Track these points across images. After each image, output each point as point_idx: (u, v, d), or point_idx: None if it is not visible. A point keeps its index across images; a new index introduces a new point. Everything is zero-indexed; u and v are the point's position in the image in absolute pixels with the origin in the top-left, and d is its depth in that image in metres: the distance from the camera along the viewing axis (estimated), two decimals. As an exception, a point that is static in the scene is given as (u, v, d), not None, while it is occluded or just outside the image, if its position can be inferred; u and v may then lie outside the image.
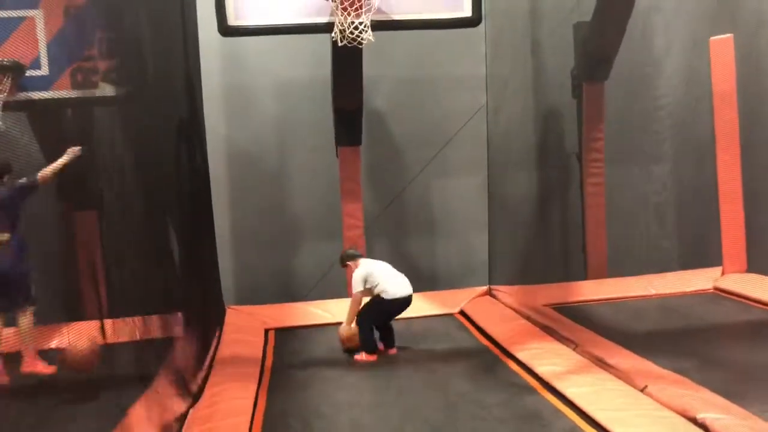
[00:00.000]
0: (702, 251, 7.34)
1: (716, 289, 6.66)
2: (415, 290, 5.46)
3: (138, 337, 3.95)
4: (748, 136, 6.69)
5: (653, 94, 7.55)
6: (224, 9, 5.34)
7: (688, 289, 6.70)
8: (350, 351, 5.39)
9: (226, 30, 5.43)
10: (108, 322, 4.66)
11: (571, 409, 4.03)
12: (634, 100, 7.51)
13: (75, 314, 5.19)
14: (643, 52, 7.46)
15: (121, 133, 4.34)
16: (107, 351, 4.19)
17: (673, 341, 5.28)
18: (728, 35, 6.59)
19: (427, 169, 7.75)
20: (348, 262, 5.58)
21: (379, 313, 5.34)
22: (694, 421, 3.59)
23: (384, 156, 7.74)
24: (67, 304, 5.50)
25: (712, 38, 6.66)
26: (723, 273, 6.83)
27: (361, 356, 5.28)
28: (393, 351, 5.43)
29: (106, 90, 4.93)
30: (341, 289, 6.99)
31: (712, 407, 3.68)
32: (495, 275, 7.02)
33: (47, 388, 4.41)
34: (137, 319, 3.98)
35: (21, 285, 4.45)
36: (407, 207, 7.82)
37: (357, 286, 5.31)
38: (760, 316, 5.81)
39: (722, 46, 6.61)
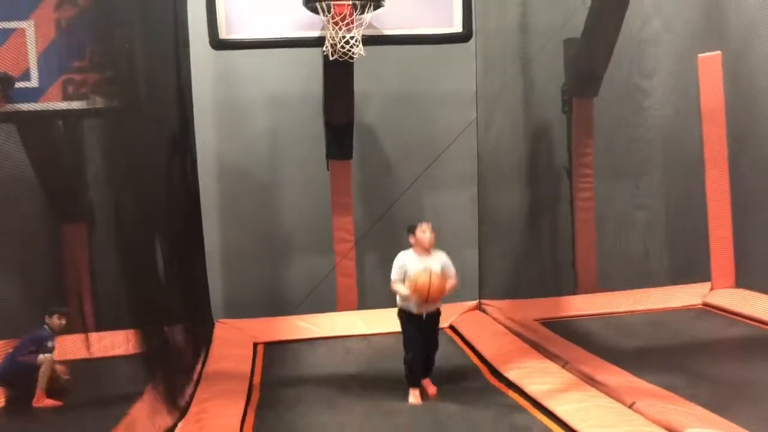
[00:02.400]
0: (691, 267, 7.36)
1: (705, 304, 6.68)
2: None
3: (126, 351, 3.92)
4: (736, 152, 6.74)
5: (642, 110, 7.60)
6: (216, 22, 5.36)
7: (676, 305, 6.72)
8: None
9: (218, 43, 5.45)
10: (95, 336, 4.65)
11: (561, 426, 4.01)
12: (623, 116, 7.56)
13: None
14: (633, 69, 7.52)
15: (111, 146, 4.33)
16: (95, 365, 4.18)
17: (662, 356, 5.28)
18: (716, 53, 6.65)
19: (418, 184, 7.76)
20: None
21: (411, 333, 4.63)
22: (681, 437, 3.59)
23: (375, 170, 7.75)
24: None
25: (700, 56, 6.73)
26: (711, 288, 6.86)
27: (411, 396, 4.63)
28: (432, 390, 4.71)
29: (97, 102, 4.93)
30: (331, 304, 6.98)
31: (700, 422, 3.68)
32: (485, 290, 7.02)
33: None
34: (125, 333, 3.95)
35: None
36: (398, 221, 7.80)
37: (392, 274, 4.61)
38: (747, 332, 5.83)
39: (710, 63, 6.67)
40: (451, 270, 4.62)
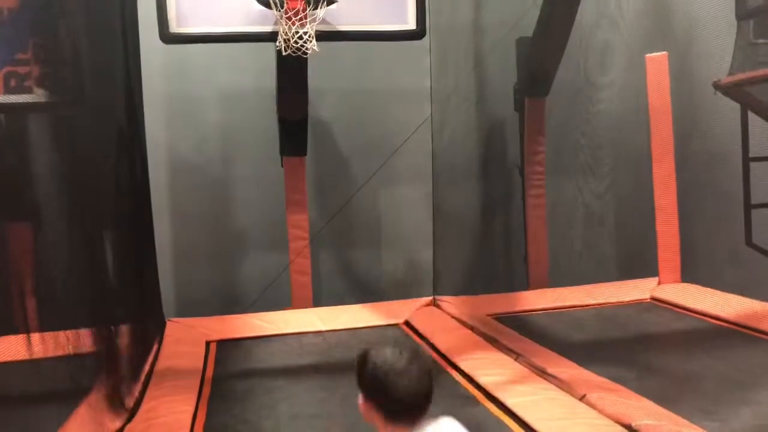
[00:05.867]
0: (639, 262, 7.54)
1: (653, 298, 6.85)
2: (360, 301, 5.38)
3: (70, 351, 3.81)
4: (681, 150, 6.93)
5: (592, 108, 7.77)
6: (166, 15, 5.26)
7: (625, 299, 6.86)
8: None
9: (168, 37, 5.35)
10: (38, 336, 4.50)
11: (512, 419, 4.06)
12: (574, 114, 7.71)
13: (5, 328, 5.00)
14: (583, 69, 7.67)
15: (57, 141, 4.21)
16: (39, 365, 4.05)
17: (611, 350, 5.40)
18: (663, 53, 6.82)
19: (374, 180, 7.76)
20: None
21: None
22: (629, 428, 3.67)
23: (330, 167, 7.72)
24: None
25: (648, 55, 6.89)
26: (659, 283, 7.03)
27: None
28: None
29: (41, 95, 4.78)
30: (286, 301, 6.93)
31: (648, 414, 3.77)
32: (440, 286, 7.06)
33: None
34: (69, 333, 3.85)
35: None
36: (353, 218, 7.82)
37: None
38: (693, 325, 6.00)
39: (657, 63, 6.84)
40: None
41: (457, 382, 4.82)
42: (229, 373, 5.25)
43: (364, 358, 2.13)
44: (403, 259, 7.91)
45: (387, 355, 2.10)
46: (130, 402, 4.29)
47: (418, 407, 2.09)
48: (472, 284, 7.05)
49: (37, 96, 5.03)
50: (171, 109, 7.31)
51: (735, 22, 5.92)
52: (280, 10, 5.14)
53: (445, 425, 2.21)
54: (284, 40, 5.18)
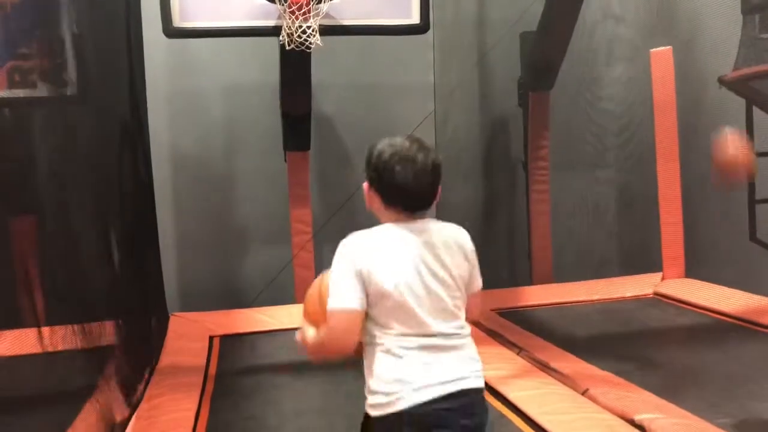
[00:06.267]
0: (643, 257, 7.53)
1: (656, 294, 6.84)
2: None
3: (73, 347, 3.82)
4: (686, 145, 6.91)
5: (597, 103, 7.75)
6: (169, 9, 5.24)
7: (629, 294, 6.85)
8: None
9: (171, 31, 5.33)
10: (44, 330, 4.51)
11: (515, 413, 4.06)
12: (578, 108, 7.69)
13: (10, 322, 5.01)
14: (587, 62, 7.65)
15: (60, 135, 4.21)
16: (44, 360, 4.05)
17: (615, 345, 5.40)
18: (667, 47, 6.79)
19: (376, 175, 7.75)
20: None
21: None
22: (632, 422, 3.67)
23: (333, 161, 7.72)
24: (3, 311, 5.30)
25: (653, 50, 6.86)
26: (663, 278, 7.02)
27: None
28: None
29: (45, 90, 4.78)
30: (289, 296, 6.93)
31: (650, 408, 3.77)
32: (443, 281, 7.05)
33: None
34: (71, 328, 3.85)
35: None
36: (356, 212, 7.80)
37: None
38: (696, 320, 5.99)
39: (662, 57, 6.81)
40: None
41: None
42: (233, 369, 5.26)
43: (372, 145, 2.03)
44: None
45: (395, 141, 1.99)
46: (134, 398, 4.30)
47: (418, 197, 1.99)
48: (475, 279, 7.04)
49: (41, 90, 5.03)
50: (174, 103, 7.32)
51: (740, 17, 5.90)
52: (283, 5, 5.12)
53: (452, 229, 2.10)
54: (287, 34, 5.17)
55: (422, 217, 2.01)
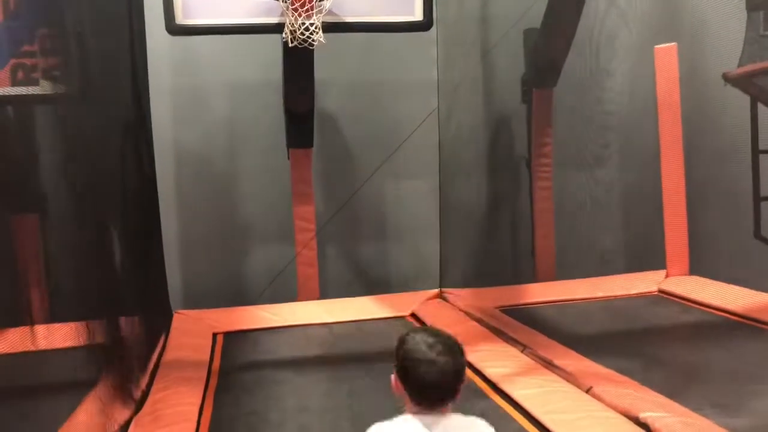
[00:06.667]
0: (647, 255, 7.51)
1: (660, 291, 6.82)
2: (367, 293, 5.32)
3: (78, 343, 3.83)
4: (690, 142, 6.89)
5: (600, 100, 7.71)
6: (172, 7, 5.24)
7: (633, 292, 6.84)
8: None
9: (174, 29, 5.34)
10: (46, 327, 4.52)
11: (518, 411, 4.06)
12: (582, 106, 7.66)
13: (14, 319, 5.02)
14: (592, 60, 7.61)
15: (63, 132, 4.21)
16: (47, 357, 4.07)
17: (618, 342, 5.38)
18: (672, 44, 6.77)
19: (380, 172, 7.75)
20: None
21: None
22: (636, 420, 3.66)
23: (336, 159, 7.70)
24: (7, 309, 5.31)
25: (657, 47, 6.84)
26: (667, 276, 7.01)
27: None
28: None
29: (48, 87, 4.79)
30: (292, 293, 6.94)
31: (654, 406, 3.76)
32: (446, 278, 7.05)
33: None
34: (76, 324, 3.86)
35: None
36: (359, 210, 7.81)
37: None
38: (700, 318, 5.98)
39: (666, 54, 6.79)
40: None
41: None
42: (236, 365, 5.26)
43: (402, 339, 2.20)
44: (409, 251, 7.90)
45: (420, 343, 2.15)
46: (137, 393, 4.31)
47: (440, 396, 2.16)
48: (478, 277, 7.03)
49: (44, 88, 5.04)
50: (177, 101, 7.31)
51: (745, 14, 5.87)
52: (286, 2, 5.12)
53: (467, 422, 2.25)
54: (290, 31, 5.17)
55: (444, 409, 2.18)
